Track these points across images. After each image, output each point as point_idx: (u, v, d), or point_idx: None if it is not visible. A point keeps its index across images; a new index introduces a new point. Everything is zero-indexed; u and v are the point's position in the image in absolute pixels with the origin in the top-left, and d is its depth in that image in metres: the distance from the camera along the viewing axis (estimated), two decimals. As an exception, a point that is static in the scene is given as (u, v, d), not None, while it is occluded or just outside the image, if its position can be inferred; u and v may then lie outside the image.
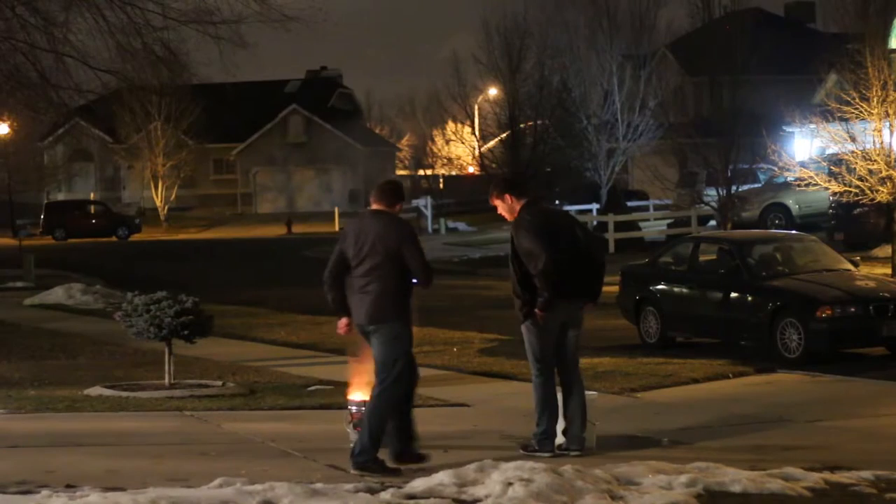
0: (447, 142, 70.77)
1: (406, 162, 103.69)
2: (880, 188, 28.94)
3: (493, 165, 51.33)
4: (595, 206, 52.07)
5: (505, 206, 11.81)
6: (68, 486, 10.04)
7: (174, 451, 11.94)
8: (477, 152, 54.49)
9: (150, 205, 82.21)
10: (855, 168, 29.25)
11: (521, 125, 50.71)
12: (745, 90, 41.42)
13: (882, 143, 29.20)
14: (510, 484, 9.73)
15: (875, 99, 29.13)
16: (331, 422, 12.98)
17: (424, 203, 68.02)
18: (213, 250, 55.55)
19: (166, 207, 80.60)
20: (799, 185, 33.03)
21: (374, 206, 11.15)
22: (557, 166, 51.74)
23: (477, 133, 55.14)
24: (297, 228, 71.34)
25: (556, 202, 50.30)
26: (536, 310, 11.45)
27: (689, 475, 10.26)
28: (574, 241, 11.89)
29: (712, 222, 42.96)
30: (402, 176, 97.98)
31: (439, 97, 60.16)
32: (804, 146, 40.89)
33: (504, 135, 52.51)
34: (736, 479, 10.22)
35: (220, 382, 16.36)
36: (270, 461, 11.36)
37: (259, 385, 16.32)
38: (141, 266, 45.14)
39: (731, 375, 17.03)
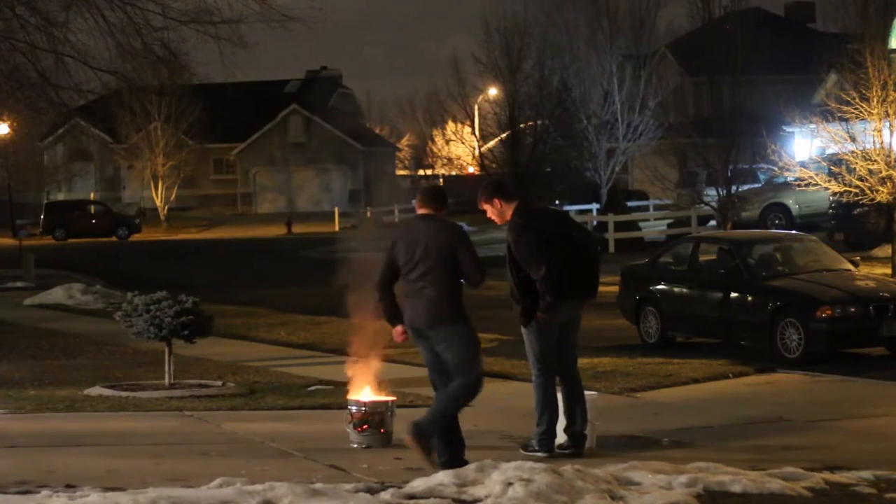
0: (447, 142, 70.77)
1: (406, 162, 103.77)
2: (880, 188, 28.95)
3: (493, 165, 51.34)
4: (595, 206, 52.07)
5: (494, 211, 11.71)
6: (68, 486, 10.04)
7: (174, 451, 11.94)
8: (477, 152, 54.50)
9: (150, 205, 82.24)
10: (855, 168, 29.26)
11: (521, 125, 50.71)
12: (745, 90, 41.43)
13: (882, 143, 29.21)
14: (510, 484, 9.73)
15: (875, 99, 29.15)
16: (331, 422, 12.98)
17: (424, 203, 67.95)
18: (213, 250, 55.57)
19: (166, 207, 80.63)
20: (799, 185, 33.05)
21: (421, 211, 11.16)
22: (557, 166, 51.76)
23: (477, 133, 55.15)
24: (297, 228, 71.36)
25: (556, 202, 50.32)
26: (539, 313, 11.44)
27: (689, 475, 10.26)
28: (570, 239, 11.88)
29: (712, 222, 42.95)
30: (402, 176, 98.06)
31: (439, 97, 60.21)
32: (804, 146, 40.89)
33: (504, 135, 52.52)
34: (736, 479, 10.22)
35: (220, 382, 16.36)
36: (270, 461, 11.36)
37: (259, 385, 16.32)
38: (141, 266, 45.16)
39: (731, 375, 17.04)
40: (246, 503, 9.44)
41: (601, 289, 12.45)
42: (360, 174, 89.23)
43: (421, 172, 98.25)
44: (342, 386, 14.31)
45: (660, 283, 20.87)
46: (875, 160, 29.02)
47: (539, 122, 50.57)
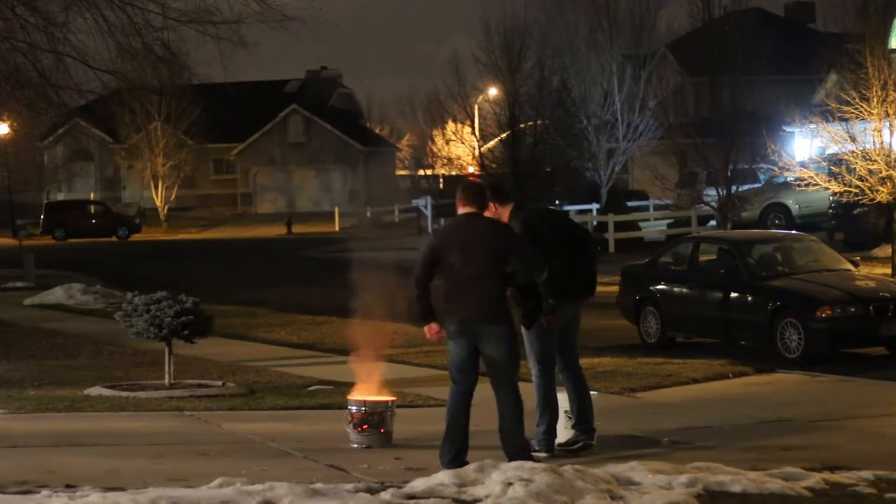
0: (447, 142, 70.71)
1: (406, 162, 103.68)
2: (880, 188, 28.94)
3: (493, 165, 51.32)
4: (595, 206, 52.07)
5: (490, 214, 11.66)
6: (68, 486, 10.04)
7: (174, 451, 11.94)
8: (477, 152, 54.47)
9: (150, 205, 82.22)
10: (855, 168, 29.26)
11: (521, 125, 50.69)
12: (745, 90, 41.44)
13: (882, 143, 29.21)
14: (510, 484, 9.74)
15: (875, 99, 29.14)
16: (331, 422, 12.98)
17: (424, 203, 68.00)
18: (214, 250, 55.57)
19: (166, 207, 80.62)
20: (799, 185, 33.05)
21: (466, 209, 11.16)
22: (557, 166, 51.74)
23: (477, 133, 55.13)
24: (297, 228, 71.36)
25: (556, 202, 50.32)
26: (542, 316, 11.44)
27: (689, 475, 10.26)
28: (569, 239, 11.89)
29: (712, 222, 42.96)
30: (402, 176, 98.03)
31: (439, 97, 60.12)
32: (804, 146, 40.89)
33: (504, 135, 52.50)
34: (736, 479, 10.22)
35: (220, 382, 16.36)
36: (270, 461, 11.36)
37: (259, 385, 16.32)
38: (141, 266, 45.14)
39: (731, 375, 17.03)
40: (246, 503, 9.44)
41: (601, 289, 12.48)
42: (360, 174, 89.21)
43: (421, 172, 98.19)
44: (342, 386, 14.32)
45: (660, 283, 20.86)
46: (875, 160, 29.02)
47: (539, 122, 50.55)
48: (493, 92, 57.47)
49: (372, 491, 9.89)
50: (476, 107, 57.97)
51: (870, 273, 22.24)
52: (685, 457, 11.30)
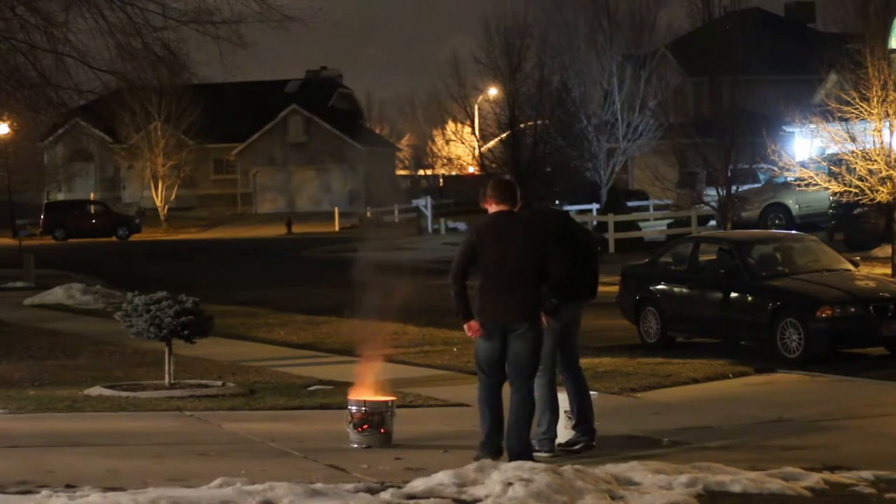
0: (447, 142, 70.82)
1: (406, 162, 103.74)
2: (880, 188, 28.95)
3: (493, 165, 51.34)
4: (595, 206, 52.08)
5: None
6: (68, 486, 10.04)
7: (174, 451, 11.94)
8: (477, 152, 54.50)
9: (150, 205, 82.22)
10: (855, 168, 29.26)
11: (521, 125, 50.70)
12: (745, 90, 41.51)
13: (882, 143, 29.21)
14: (510, 484, 9.74)
15: (875, 99, 29.14)
16: (331, 422, 12.97)
17: (424, 203, 68.03)
18: (214, 250, 55.57)
19: (166, 207, 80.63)
20: (799, 185, 33.05)
21: (500, 207, 11.25)
22: (557, 166, 51.75)
23: (477, 133, 55.15)
24: (297, 228, 71.36)
25: (556, 202, 50.35)
26: (543, 315, 11.46)
27: (689, 475, 10.26)
28: (573, 240, 11.92)
29: (712, 222, 42.96)
30: (402, 176, 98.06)
31: (439, 97, 60.19)
32: (804, 146, 40.89)
33: (504, 135, 52.51)
34: (736, 479, 10.23)
35: (220, 382, 16.35)
36: (270, 461, 11.36)
37: (259, 385, 16.31)
38: (141, 266, 45.15)
39: (731, 375, 17.02)
40: (246, 503, 9.44)
41: (601, 289, 12.47)
42: (360, 174, 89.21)
43: (421, 172, 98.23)
44: (342, 386, 14.31)
45: (660, 283, 20.86)
46: (875, 160, 29.02)
47: (539, 122, 50.56)
48: (493, 92, 57.49)
49: (372, 491, 9.89)
50: (476, 107, 57.99)
51: (870, 273, 22.24)
52: (685, 457, 11.30)
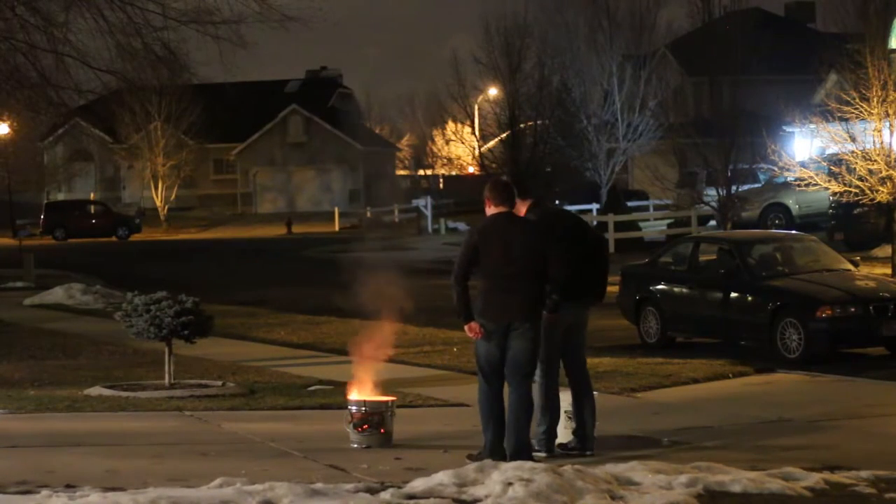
0: (447, 142, 70.82)
1: (406, 162, 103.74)
2: (880, 188, 28.94)
3: (493, 165, 51.35)
4: (595, 206, 52.08)
5: None
6: (68, 486, 10.04)
7: (174, 451, 11.94)
8: (477, 152, 54.51)
9: (150, 205, 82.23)
10: (855, 168, 29.26)
11: (521, 125, 50.72)
12: (745, 90, 41.46)
13: (882, 143, 29.20)
14: (510, 484, 9.74)
15: (875, 99, 29.14)
16: (331, 422, 12.98)
17: (424, 203, 68.04)
18: (213, 250, 55.56)
19: (166, 207, 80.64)
20: (799, 185, 33.04)
21: (500, 208, 11.34)
22: (557, 166, 51.77)
23: (477, 133, 55.16)
24: (297, 228, 71.36)
25: (556, 202, 50.37)
26: (544, 312, 11.47)
27: (689, 475, 10.26)
28: (581, 240, 11.95)
29: (712, 222, 42.96)
30: (402, 176, 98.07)
31: (439, 97, 60.29)
32: (804, 146, 40.89)
33: (504, 135, 52.54)
34: (736, 479, 10.23)
35: (220, 382, 16.35)
36: (270, 461, 11.36)
37: (259, 385, 16.31)
38: (141, 266, 45.14)
39: (731, 375, 17.02)
40: (246, 503, 9.44)
41: (601, 289, 12.44)
42: (360, 174, 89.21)
43: (421, 172, 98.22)
44: (342, 386, 14.31)
45: (660, 283, 20.87)
46: (875, 160, 29.01)
47: (539, 122, 50.58)
48: (493, 92, 57.50)
49: (372, 491, 9.89)
50: (476, 107, 58.00)
51: (870, 273, 22.24)
52: (685, 457, 11.30)
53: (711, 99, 43.10)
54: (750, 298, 19.29)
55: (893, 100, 29.11)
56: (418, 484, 9.97)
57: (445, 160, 76.42)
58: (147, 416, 14.12)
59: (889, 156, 28.99)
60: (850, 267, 20.13)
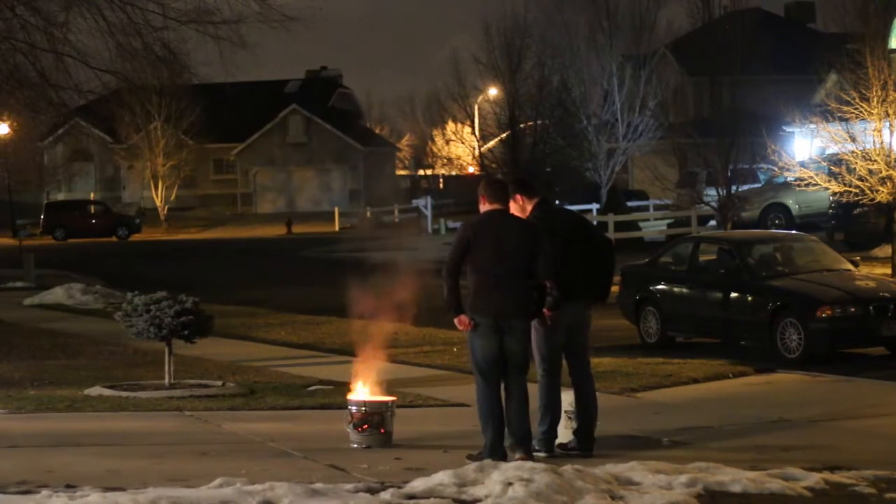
0: (447, 142, 70.83)
1: (406, 162, 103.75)
2: (880, 188, 28.95)
3: (493, 165, 51.36)
4: (595, 206, 52.08)
5: (516, 206, 11.88)
6: (68, 486, 10.04)
7: (174, 451, 11.94)
8: (477, 152, 54.53)
9: (150, 205, 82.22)
10: (855, 168, 29.26)
11: (521, 125, 50.72)
12: (745, 90, 41.45)
13: (882, 143, 29.21)
14: (510, 484, 9.74)
15: (875, 99, 29.15)
16: (331, 422, 12.98)
17: (424, 203, 68.02)
18: (213, 250, 55.57)
19: (166, 207, 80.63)
20: (799, 185, 33.05)
21: (494, 206, 11.44)
22: (557, 166, 51.79)
23: (477, 133, 55.18)
24: (297, 228, 71.36)
25: (556, 202, 50.37)
26: (545, 310, 11.47)
27: (689, 475, 10.26)
28: (584, 240, 11.96)
29: (712, 222, 42.96)
30: (402, 176, 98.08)
31: (439, 97, 60.29)
32: (804, 146, 40.90)
33: (504, 135, 52.54)
34: (736, 479, 10.22)
35: (220, 382, 16.35)
36: (270, 461, 11.36)
37: (259, 385, 16.31)
38: (141, 266, 45.15)
39: (731, 375, 17.02)
40: (246, 503, 9.44)
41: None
42: (360, 174, 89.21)
43: (421, 172, 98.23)
44: (342, 386, 14.31)
45: (660, 283, 20.87)
46: (875, 160, 29.02)
47: (539, 122, 50.59)
48: (493, 92, 57.51)
49: (372, 491, 9.89)
50: (476, 107, 58.01)
51: (870, 273, 22.24)
52: (685, 457, 11.30)
53: (711, 99, 43.06)
54: (750, 298, 19.29)
55: (893, 100, 29.12)
56: (418, 484, 9.97)
57: (445, 160, 76.42)
58: (147, 416, 14.11)
59: (889, 156, 29.00)
60: (850, 267, 20.13)
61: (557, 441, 11.87)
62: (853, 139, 29.72)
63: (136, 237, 69.84)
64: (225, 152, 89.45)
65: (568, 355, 11.97)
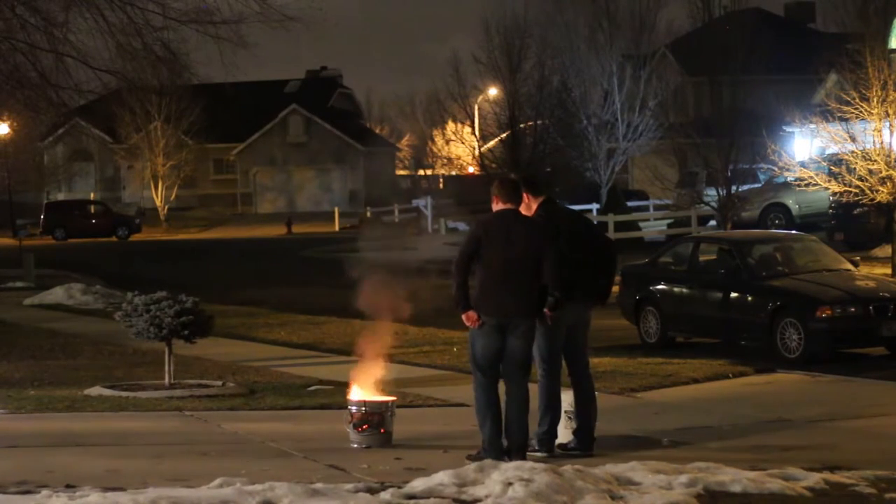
0: (447, 142, 70.75)
1: (406, 162, 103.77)
2: (880, 188, 28.95)
3: (493, 165, 51.34)
4: (595, 206, 52.07)
5: (523, 205, 11.90)
6: (68, 486, 10.04)
7: (174, 451, 11.94)
8: (477, 152, 54.49)
9: (150, 205, 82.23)
10: (855, 168, 29.26)
11: (521, 125, 50.70)
12: (745, 90, 41.49)
13: (882, 143, 29.22)
14: (510, 484, 9.74)
15: (875, 99, 29.15)
16: (331, 422, 12.98)
17: (424, 203, 67.99)
18: (213, 250, 55.57)
19: (166, 207, 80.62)
20: (799, 185, 33.06)
21: (507, 205, 11.49)
22: (557, 166, 51.74)
23: (477, 133, 55.13)
24: (297, 228, 71.36)
25: (556, 202, 50.33)
26: (545, 309, 11.47)
27: (689, 475, 10.26)
28: (588, 241, 11.98)
29: (712, 222, 42.96)
30: (402, 176, 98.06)
31: (439, 97, 60.16)
32: (804, 146, 40.90)
33: (504, 135, 52.52)
34: (736, 479, 10.22)
35: (220, 382, 16.35)
36: (270, 461, 11.36)
37: (259, 385, 16.31)
38: (141, 266, 45.15)
39: (731, 375, 17.02)
40: (246, 503, 9.44)
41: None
42: (360, 174, 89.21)
43: (421, 172, 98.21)
44: (342, 386, 14.31)
45: (660, 283, 20.86)
46: (875, 160, 29.03)
47: (539, 122, 50.56)
48: (493, 92, 57.48)
49: (372, 491, 9.89)
50: (476, 107, 57.98)
51: (870, 273, 22.24)
52: (685, 457, 11.30)
53: (711, 99, 43.12)
54: (750, 298, 19.29)
55: (893, 100, 29.13)
56: (418, 484, 9.97)
57: (445, 160, 76.32)
58: (147, 416, 14.12)
59: (889, 156, 29.01)
60: (850, 267, 20.12)
61: (557, 441, 11.88)
62: (853, 139, 29.73)
63: (136, 237, 69.83)
64: (225, 152, 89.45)
65: (567, 355, 11.98)
